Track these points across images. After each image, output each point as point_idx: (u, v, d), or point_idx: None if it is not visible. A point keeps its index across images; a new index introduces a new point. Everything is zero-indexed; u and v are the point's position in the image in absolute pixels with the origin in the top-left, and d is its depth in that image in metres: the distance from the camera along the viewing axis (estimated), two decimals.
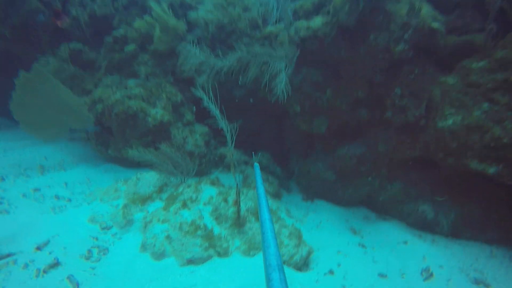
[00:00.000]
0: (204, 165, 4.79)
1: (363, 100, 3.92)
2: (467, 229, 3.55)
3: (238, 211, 2.66)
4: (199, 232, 2.41)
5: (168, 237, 2.36)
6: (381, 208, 4.22)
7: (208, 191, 3.32)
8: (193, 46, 3.90)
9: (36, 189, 3.04)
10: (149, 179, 3.41)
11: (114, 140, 4.47)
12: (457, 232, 3.54)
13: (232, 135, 2.94)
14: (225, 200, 2.89)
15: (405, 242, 2.95)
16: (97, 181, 4.02)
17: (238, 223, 2.67)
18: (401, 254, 2.73)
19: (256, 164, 2.27)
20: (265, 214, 1.31)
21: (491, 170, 3.08)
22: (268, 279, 0.94)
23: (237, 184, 2.67)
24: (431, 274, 2.31)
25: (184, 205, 2.75)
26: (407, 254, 2.70)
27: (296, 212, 3.79)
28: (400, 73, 3.57)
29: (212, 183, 3.78)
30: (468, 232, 3.54)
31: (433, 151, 3.50)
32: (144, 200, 2.92)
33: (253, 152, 4.86)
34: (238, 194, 2.68)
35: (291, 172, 5.31)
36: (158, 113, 4.33)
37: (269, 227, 1.20)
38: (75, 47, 5.16)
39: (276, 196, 4.27)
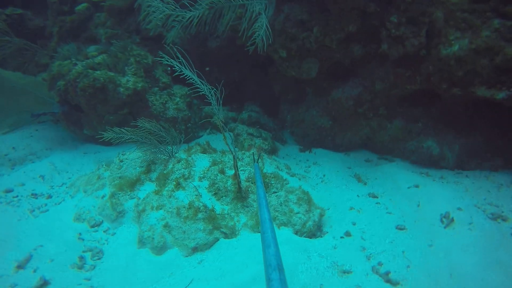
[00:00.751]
0: (191, 129, 4.45)
1: (355, 35, 3.50)
2: (472, 159, 3.44)
3: (238, 183, 2.42)
4: (199, 215, 2.19)
5: (166, 225, 2.13)
6: (382, 148, 4.06)
7: (201, 161, 3.04)
8: None
9: (8, 190, 2.71)
10: (133, 158, 3.09)
11: (87, 118, 4.03)
12: (462, 163, 3.43)
13: (218, 98, 2.58)
14: (222, 172, 2.64)
15: (417, 186, 2.81)
16: (77, 166, 3.68)
17: (240, 195, 2.45)
18: (415, 199, 2.60)
19: (256, 165, 2.29)
20: (265, 214, 1.33)
21: (500, 95, 2.85)
22: (268, 279, 0.93)
23: (234, 156, 2.38)
24: (452, 220, 2.19)
25: (178, 185, 2.48)
26: (421, 199, 2.58)
27: (297, 168, 3.60)
28: None
29: (204, 150, 3.49)
30: (473, 162, 3.44)
31: (436, 83, 3.22)
32: (133, 184, 2.64)
33: (253, 153, 4.51)
34: (236, 166, 2.41)
35: (283, 122, 5.04)
36: (129, 81, 3.84)
37: (269, 227, 1.21)
38: (13, 12, 4.38)
39: (272, 152, 4.04)
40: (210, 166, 2.83)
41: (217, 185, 2.50)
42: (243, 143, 4.12)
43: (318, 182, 3.15)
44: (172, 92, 4.40)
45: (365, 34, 3.48)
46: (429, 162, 3.48)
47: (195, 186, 2.48)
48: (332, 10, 3.34)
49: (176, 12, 3.16)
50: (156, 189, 2.51)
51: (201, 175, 2.62)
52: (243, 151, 3.50)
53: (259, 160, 3.00)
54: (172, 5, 3.20)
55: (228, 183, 2.52)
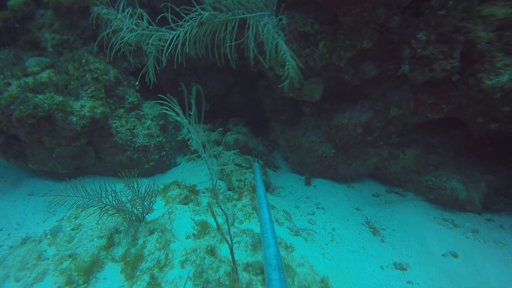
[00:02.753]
0: (166, 157, 3.69)
1: (370, 52, 2.85)
2: (500, 199, 2.96)
3: (235, 279, 1.75)
4: None
5: None
6: (392, 180, 3.51)
7: (181, 224, 2.34)
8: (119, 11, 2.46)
9: None
10: (90, 225, 2.32)
11: (32, 151, 3.16)
12: (488, 203, 2.95)
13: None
14: (211, 252, 1.95)
15: (455, 255, 2.26)
16: (17, 219, 2.86)
17: None
18: (457, 278, 2.06)
19: (256, 165, 2.26)
20: (265, 214, 1.38)
21: None
22: (268, 279, 0.95)
23: (230, 249, 1.69)
24: None
25: (152, 279, 1.78)
26: (465, 276, 2.04)
27: (298, 214, 2.97)
28: (424, 10, 2.48)
29: (185, 198, 2.77)
30: (501, 202, 2.96)
31: (470, 115, 2.66)
32: (88, 271, 1.91)
33: (253, 155, 3.81)
34: (233, 260, 1.73)
35: (274, 142, 4.37)
36: (84, 106, 3.00)
37: (269, 227, 1.22)
38: None
39: (266, 188, 3.37)
40: (194, 239, 2.12)
41: (205, 275, 1.83)
42: (230, 177, 3.42)
43: (328, 241, 2.54)
44: (142, 113, 3.59)
45: (382, 51, 2.84)
46: (453, 205, 2.96)
47: (175, 280, 1.78)
48: (344, 22, 2.66)
49: (149, 31, 2.33)
50: (122, 285, 1.79)
51: (183, 257, 1.93)
52: (232, 201, 2.81)
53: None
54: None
55: (220, 272, 1.85)
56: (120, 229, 2.30)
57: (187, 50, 2.26)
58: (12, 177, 3.57)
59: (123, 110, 3.43)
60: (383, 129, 3.27)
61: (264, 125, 4.53)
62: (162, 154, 3.61)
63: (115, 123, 3.32)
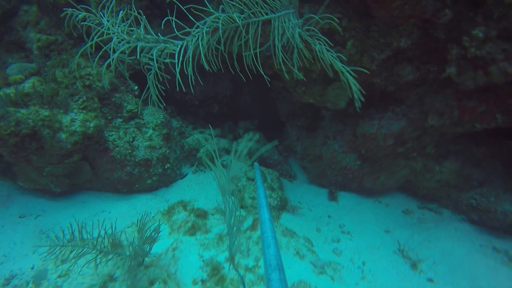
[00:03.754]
0: (171, 170, 3.32)
1: (407, 52, 2.39)
2: None
3: None
4: None
5: None
6: (425, 194, 3.10)
7: (187, 265, 1.98)
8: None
9: None
10: (80, 270, 1.98)
11: (20, 169, 2.82)
12: None
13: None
14: None
15: None
16: (4, 248, 2.55)
17: None
18: None
19: (256, 164, 2.33)
20: (265, 214, 1.34)
21: None
22: (268, 279, 0.93)
23: None
24: None
25: None
26: None
27: (321, 240, 2.59)
28: (486, 0, 2.00)
29: (192, 227, 2.42)
30: None
31: None
32: None
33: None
34: None
35: (290, 148, 3.97)
36: (75, 121, 2.62)
37: (269, 227, 1.20)
38: None
39: (282, 207, 3.00)
40: (202, 286, 1.77)
41: None
42: (243, 193, 3.05)
43: (358, 279, 2.16)
44: (143, 122, 3.20)
45: (422, 51, 2.37)
46: (502, 229, 2.54)
47: None
48: (379, 16, 2.19)
49: (146, 41, 1.85)
50: None
51: None
52: (246, 231, 2.44)
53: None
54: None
55: None
56: (115, 275, 1.95)
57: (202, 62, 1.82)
58: (2, 193, 3.25)
59: (121, 120, 3.05)
60: (417, 139, 2.83)
61: (278, 128, 4.11)
62: (166, 167, 3.24)
63: (112, 135, 2.94)
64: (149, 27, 1.81)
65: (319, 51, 1.95)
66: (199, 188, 3.32)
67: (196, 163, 3.54)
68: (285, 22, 1.87)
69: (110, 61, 1.79)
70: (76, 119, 2.62)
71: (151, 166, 3.13)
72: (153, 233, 2.20)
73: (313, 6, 2.33)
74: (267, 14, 1.84)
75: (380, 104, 2.92)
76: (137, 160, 3.04)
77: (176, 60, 1.61)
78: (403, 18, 2.13)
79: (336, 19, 2.09)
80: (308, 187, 3.50)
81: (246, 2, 1.75)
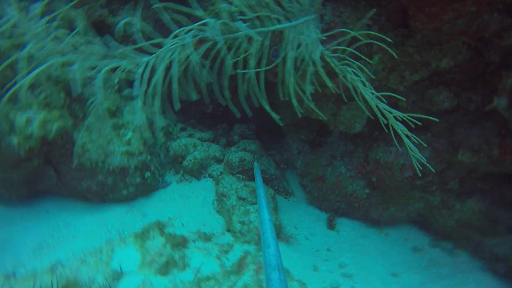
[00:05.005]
0: (152, 179, 2.89)
1: (447, 74, 1.93)
2: None
3: None
4: None
5: None
6: (441, 232, 2.72)
7: None
8: None
9: None
10: None
11: None
12: None
13: None
14: None
15: None
16: None
17: None
18: None
19: (256, 164, 2.36)
20: (265, 214, 1.32)
21: None
22: (268, 279, 0.92)
23: None
24: None
25: None
26: None
27: (319, 285, 2.21)
28: None
29: (166, 268, 2.02)
30: None
31: None
32: None
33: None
34: None
35: (289, 161, 3.54)
36: (33, 121, 2.15)
37: (269, 227, 1.18)
38: None
39: (277, 236, 2.59)
40: None
41: None
42: (231, 214, 2.64)
43: None
44: (121, 122, 2.74)
45: (465, 75, 1.92)
46: None
47: None
48: (419, 29, 1.72)
49: (82, 54, 1.31)
50: None
51: None
52: (231, 274, 2.03)
53: None
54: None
55: None
56: None
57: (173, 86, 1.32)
58: None
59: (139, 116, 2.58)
60: (440, 174, 2.42)
61: (277, 134, 3.67)
62: (146, 176, 2.80)
63: (83, 138, 2.48)
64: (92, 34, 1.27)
65: (354, 86, 1.49)
66: (182, 202, 2.90)
67: (181, 171, 3.10)
68: (302, 34, 1.39)
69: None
70: (35, 118, 2.14)
71: (128, 176, 2.69)
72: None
73: (337, 7, 1.84)
74: (279, 21, 1.36)
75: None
76: (111, 168, 2.60)
77: (138, 83, 1.13)
78: (452, 35, 1.66)
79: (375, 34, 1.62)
80: (306, 208, 3.10)
81: (252, 3, 1.26)
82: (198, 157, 3.03)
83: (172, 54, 1.16)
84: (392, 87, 2.00)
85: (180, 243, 2.28)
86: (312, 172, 2.96)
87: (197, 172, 3.07)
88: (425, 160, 1.89)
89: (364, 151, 2.66)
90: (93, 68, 1.12)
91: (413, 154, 1.57)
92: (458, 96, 1.99)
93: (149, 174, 2.82)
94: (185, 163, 3.02)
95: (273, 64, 1.50)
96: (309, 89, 1.88)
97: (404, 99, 1.73)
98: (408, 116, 1.55)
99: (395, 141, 1.74)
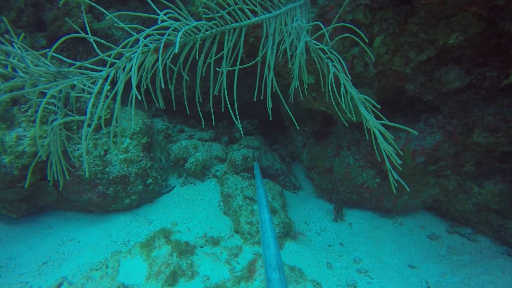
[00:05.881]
0: (154, 184, 2.80)
1: (455, 51, 1.78)
2: None
3: None
4: None
5: None
6: (458, 217, 2.59)
7: None
8: None
9: None
10: None
11: None
12: None
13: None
14: None
15: None
16: None
17: None
18: None
19: (256, 164, 2.30)
20: (265, 214, 1.32)
21: None
22: (268, 279, 0.94)
23: None
24: None
25: None
26: None
27: (334, 284, 2.11)
28: None
29: (173, 278, 1.94)
30: None
31: None
32: None
33: (253, 155, 2.90)
34: None
35: (294, 154, 3.42)
36: (23, 139, 2.07)
37: (269, 227, 1.20)
38: None
39: (286, 233, 2.50)
40: None
41: None
42: (238, 216, 2.55)
43: None
44: (117, 130, 2.64)
45: (478, 50, 1.76)
46: None
47: None
48: (422, 4, 1.56)
49: (28, 76, 1.15)
50: None
51: None
52: (241, 281, 1.94)
53: None
54: None
55: None
56: None
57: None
58: None
59: (89, 129, 2.48)
60: (454, 157, 2.27)
61: (281, 128, 3.55)
62: (147, 182, 2.72)
63: (78, 150, 2.39)
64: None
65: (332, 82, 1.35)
66: (187, 206, 2.82)
67: (184, 174, 3.01)
68: (286, 25, 1.26)
69: None
70: (25, 136, 2.06)
71: (129, 184, 2.61)
72: None
73: None
74: (255, 13, 1.22)
75: (408, 111, 2.33)
76: (111, 177, 2.52)
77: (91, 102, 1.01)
78: (460, 6, 1.51)
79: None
80: (316, 202, 2.99)
81: None
82: (200, 159, 2.93)
83: (133, 62, 1.04)
84: (397, 69, 1.85)
85: (187, 250, 2.20)
86: (319, 165, 2.84)
87: (201, 173, 2.98)
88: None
89: (372, 139, 2.52)
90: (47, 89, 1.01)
91: (386, 149, 1.41)
92: (470, 73, 1.83)
93: (151, 180, 2.74)
94: (187, 165, 2.93)
95: (251, 63, 1.37)
96: (306, 80, 1.75)
97: (378, 106, 1.59)
98: (383, 123, 1.39)
99: (374, 141, 1.59)
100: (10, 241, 2.44)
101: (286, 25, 1.28)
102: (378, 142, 1.47)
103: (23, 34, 1.23)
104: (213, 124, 2.11)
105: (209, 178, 3.04)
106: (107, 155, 2.55)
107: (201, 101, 1.98)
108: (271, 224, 1.24)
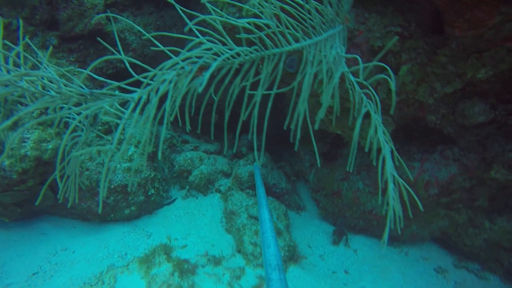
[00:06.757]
0: (156, 195, 2.70)
1: (482, 85, 1.74)
2: None
3: None
4: None
5: None
6: (467, 252, 2.53)
7: None
8: None
9: None
10: None
11: None
12: None
13: None
14: None
15: None
16: None
17: None
18: None
19: (256, 164, 2.27)
20: (265, 214, 1.32)
21: None
22: (268, 279, 0.93)
23: None
24: None
25: None
26: None
27: None
28: None
29: None
30: None
31: None
32: None
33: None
34: None
35: (300, 174, 3.36)
36: (27, 141, 1.97)
37: (269, 227, 1.19)
38: None
39: (291, 257, 2.41)
40: None
41: None
42: (242, 235, 2.45)
43: None
44: (122, 137, 2.55)
45: (505, 85, 1.73)
46: None
47: None
48: (453, 36, 1.53)
49: (55, 99, 1.05)
50: None
51: None
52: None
53: None
54: None
55: None
56: None
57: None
58: None
59: (93, 135, 2.40)
60: (469, 191, 2.23)
61: (286, 145, 3.48)
62: (149, 193, 2.62)
63: (81, 156, 2.29)
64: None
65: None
66: (189, 221, 2.72)
67: (187, 187, 2.91)
68: (323, 51, 1.20)
69: None
70: (28, 138, 1.96)
71: (130, 194, 2.51)
72: None
73: (362, 13, 1.65)
74: (296, 40, 1.16)
75: (424, 140, 2.29)
76: (112, 186, 2.42)
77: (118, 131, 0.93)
78: (495, 42, 1.48)
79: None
80: (320, 225, 2.91)
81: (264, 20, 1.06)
82: (205, 172, 2.84)
83: (168, 84, 0.97)
84: (420, 99, 1.81)
85: (188, 269, 2.10)
86: (326, 187, 2.77)
87: (204, 187, 2.89)
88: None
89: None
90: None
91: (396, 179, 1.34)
92: (495, 109, 1.80)
93: (153, 191, 2.64)
94: (191, 178, 2.84)
95: (287, 88, 1.31)
96: (321, 114, 1.69)
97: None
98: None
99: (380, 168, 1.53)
100: (0, 247, 2.30)
101: (323, 51, 1.22)
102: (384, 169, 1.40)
103: (51, 48, 1.16)
104: (211, 138, 2.05)
105: (212, 192, 2.95)
106: (110, 162, 2.45)
107: (216, 120, 1.91)
108: (271, 224, 1.23)
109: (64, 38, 2.42)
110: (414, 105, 1.87)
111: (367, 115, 1.97)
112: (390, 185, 1.12)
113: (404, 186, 1.17)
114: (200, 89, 0.91)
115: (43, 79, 0.88)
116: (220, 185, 2.92)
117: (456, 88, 1.73)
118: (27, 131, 1.97)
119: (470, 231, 2.41)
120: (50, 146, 2.01)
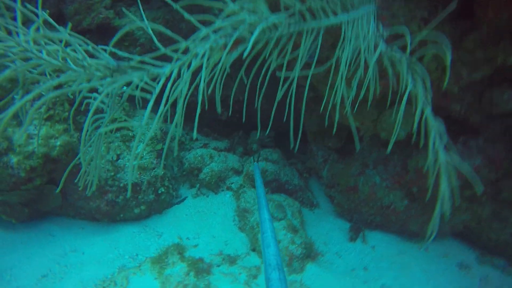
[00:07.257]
0: (166, 193, 2.62)
1: (509, 71, 1.66)
2: None
3: None
4: None
5: None
6: (491, 247, 2.45)
7: None
8: None
9: None
10: None
11: None
12: None
13: None
14: None
15: None
16: None
17: None
18: None
19: (256, 164, 2.25)
20: (265, 214, 1.32)
21: None
22: (268, 279, 0.93)
23: None
24: None
25: None
26: None
27: None
28: None
29: None
30: None
31: None
32: None
33: (253, 158, 2.76)
34: None
35: (312, 170, 3.28)
36: (34, 138, 1.90)
37: (269, 227, 1.20)
38: None
39: (307, 254, 2.32)
40: None
41: None
42: (256, 233, 2.38)
43: None
44: (132, 134, 2.48)
45: None
46: None
47: None
48: (485, 19, 1.45)
49: (90, 73, 1.01)
50: None
51: None
52: None
53: None
54: None
55: None
56: None
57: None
58: None
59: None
60: (494, 183, 2.14)
61: (300, 143, 3.40)
62: (159, 191, 2.54)
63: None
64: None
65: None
66: (200, 219, 2.64)
67: (197, 185, 2.84)
68: (361, 28, 1.13)
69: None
70: (36, 134, 1.89)
71: (140, 192, 2.43)
72: None
73: (388, 0, 1.57)
74: (335, 13, 1.09)
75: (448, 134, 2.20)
76: (122, 184, 2.35)
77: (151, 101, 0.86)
78: None
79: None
80: (335, 221, 2.83)
81: None
82: (215, 169, 2.77)
83: (201, 59, 0.89)
84: (443, 89, 1.73)
85: (204, 269, 2.02)
86: (341, 183, 2.69)
87: (215, 185, 2.81)
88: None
89: (402, 158, 2.39)
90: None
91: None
92: None
93: (163, 189, 2.56)
94: (201, 176, 2.76)
95: (326, 66, 1.23)
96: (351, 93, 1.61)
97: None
98: None
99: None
100: (7, 249, 2.23)
101: (361, 28, 1.15)
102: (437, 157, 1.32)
103: (70, 23, 1.08)
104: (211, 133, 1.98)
105: (223, 190, 2.87)
106: (119, 160, 2.37)
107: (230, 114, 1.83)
108: (271, 224, 1.24)
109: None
110: (439, 93, 1.79)
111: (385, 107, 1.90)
112: (444, 170, 1.03)
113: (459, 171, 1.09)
114: (245, 54, 0.82)
115: (66, 48, 0.80)
116: (232, 183, 2.85)
117: (484, 74, 1.65)
118: (35, 127, 1.89)
119: (495, 225, 2.33)
120: (59, 143, 1.94)
